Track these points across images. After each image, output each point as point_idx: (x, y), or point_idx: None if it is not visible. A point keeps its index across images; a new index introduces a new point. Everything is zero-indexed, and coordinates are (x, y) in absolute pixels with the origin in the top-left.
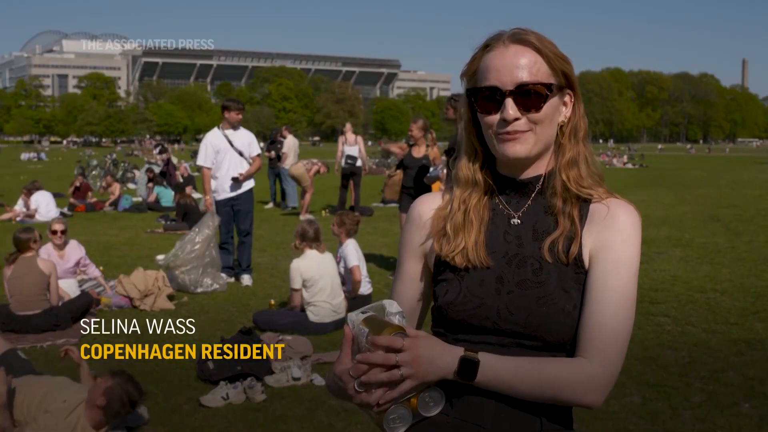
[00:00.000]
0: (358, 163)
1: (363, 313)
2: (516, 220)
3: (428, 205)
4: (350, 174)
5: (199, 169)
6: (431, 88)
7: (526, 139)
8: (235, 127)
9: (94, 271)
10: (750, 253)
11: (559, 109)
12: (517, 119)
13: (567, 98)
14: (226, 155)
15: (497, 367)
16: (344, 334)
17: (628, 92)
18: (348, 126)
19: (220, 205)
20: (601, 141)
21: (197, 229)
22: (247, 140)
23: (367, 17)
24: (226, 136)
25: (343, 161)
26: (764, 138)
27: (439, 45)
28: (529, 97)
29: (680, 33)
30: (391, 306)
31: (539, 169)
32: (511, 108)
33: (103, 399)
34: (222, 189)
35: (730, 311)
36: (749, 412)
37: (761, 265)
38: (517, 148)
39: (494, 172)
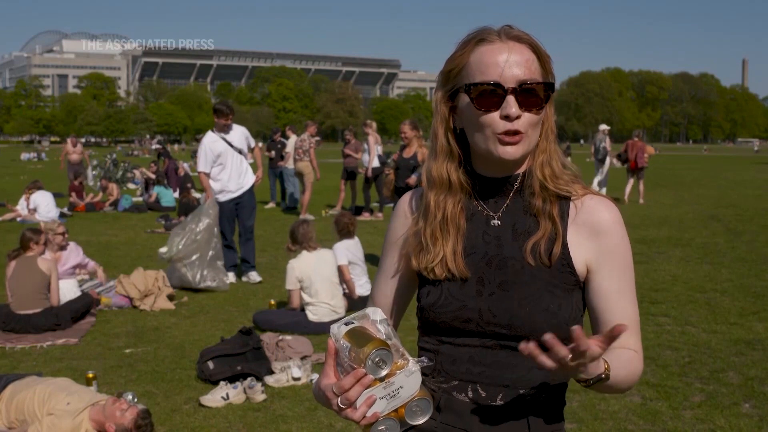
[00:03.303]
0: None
1: (346, 324)
2: (496, 221)
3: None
4: (379, 173)
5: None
6: (431, 88)
7: (523, 142)
8: (223, 130)
9: (92, 266)
10: (750, 253)
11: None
12: (518, 117)
13: None
14: (227, 156)
15: (614, 373)
16: (327, 347)
17: (628, 92)
18: (373, 125)
19: (224, 205)
20: None
21: (197, 219)
22: (243, 136)
23: (367, 17)
24: (223, 138)
25: (377, 161)
26: (763, 138)
27: (439, 45)
28: (530, 96)
29: (680, 33)
30: (375, 314)
31: (518, 168)
32: (514, 106)
33: (113, 429)
34: (227, 190)
35: (730, 311)
36: (749, 412)
37: (761, 265)
38: (515, 150)
39: (469, 170)
